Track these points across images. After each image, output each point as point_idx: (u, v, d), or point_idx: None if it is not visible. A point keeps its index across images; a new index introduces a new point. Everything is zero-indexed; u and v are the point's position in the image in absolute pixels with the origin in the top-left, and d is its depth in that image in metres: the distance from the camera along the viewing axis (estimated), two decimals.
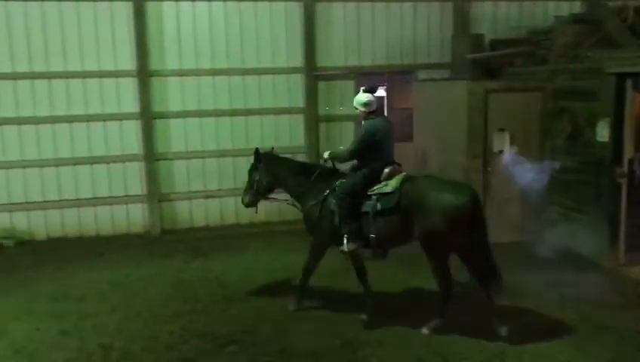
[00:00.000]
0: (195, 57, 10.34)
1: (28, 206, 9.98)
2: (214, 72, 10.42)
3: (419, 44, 11.21)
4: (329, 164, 6.61)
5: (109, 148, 10.15)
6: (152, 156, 10.24)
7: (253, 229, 10.54)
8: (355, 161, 6.35)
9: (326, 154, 6.55)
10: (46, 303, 7.25)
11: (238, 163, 10.58)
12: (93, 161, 10.12)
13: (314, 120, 10.81)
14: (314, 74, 10.70)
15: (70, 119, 9.94)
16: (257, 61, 10.57)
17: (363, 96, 6.25)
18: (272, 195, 6.98)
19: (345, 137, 10.96)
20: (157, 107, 10.25)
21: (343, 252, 6.18)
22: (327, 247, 6.46)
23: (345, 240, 6.08)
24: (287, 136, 10.83)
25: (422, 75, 11.22)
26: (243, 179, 10.47)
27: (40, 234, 10.06)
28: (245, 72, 10.53)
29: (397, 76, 12.19)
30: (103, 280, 8.03)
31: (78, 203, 10.13)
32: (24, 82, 9.72)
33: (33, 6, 9.60)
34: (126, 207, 10.35)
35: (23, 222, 10.01)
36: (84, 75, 9.89)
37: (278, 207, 9.81)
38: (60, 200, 10.10)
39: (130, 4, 9.89)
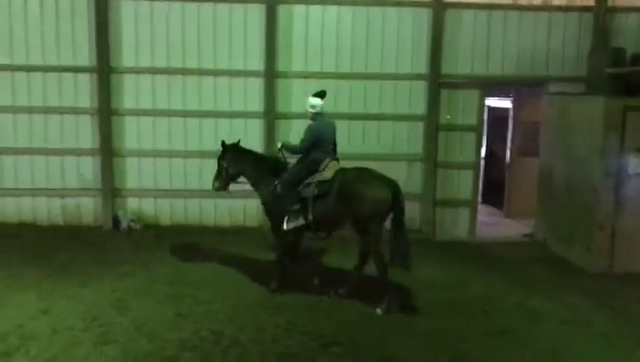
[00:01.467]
0: (320, 60, 10.52)
1: (156, 193, 10.66)
2: (337, 76, 10.53)
3: (552, 55, 10.64)
4: (281, 154, 7.53)
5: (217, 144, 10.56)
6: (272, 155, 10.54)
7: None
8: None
9: (279, 144, 7.55)
10: (164, 286, 7.68)
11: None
12: (203, 155, 10.53)
13: (434, 128, 10.60)
14: (438, 81, 10.49)
15: (201, 114, 10.49)
16: (381, 66, 10.55)
17: (314, 100, 7.25)
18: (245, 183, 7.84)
19: (464, 147, 10.67)
20: (280, 107, 10.55)
21: (283, 230, 7.23)
22: (278, 227, 7.36)
23: (285, 221, 7.15)
24: (404, 142, 10.72)
25: (553, 88, 10.64)
26: None
27: (165, 219, 10.71)
28: (367, 76, 10.55)
29: (525, 88, 11.66)
30: (217, 269, 8.38)
31: (201, 194, 10.65)
32: (161, 77, 10.39)
33: (175, 7, 10.24)
34: (243, 201, 10.72)
35: (150, 208, 10.70)
36: (215, 72, 10.40)
37: None
38: (185, 190, 10.68)
39: (263, 6, 10.27)
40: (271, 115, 10.49)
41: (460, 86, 10.61)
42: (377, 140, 10.63)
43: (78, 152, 10.45)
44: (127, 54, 10.30)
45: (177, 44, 10.32)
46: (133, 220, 10.45)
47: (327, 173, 7.07)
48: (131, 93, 10.40)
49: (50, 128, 10.41)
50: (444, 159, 10.72)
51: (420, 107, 10.64)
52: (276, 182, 7.32)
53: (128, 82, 10.37)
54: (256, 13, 10.33)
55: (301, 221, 7.10)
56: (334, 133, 7.38)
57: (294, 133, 10.58)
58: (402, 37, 10.51)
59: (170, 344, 5.90)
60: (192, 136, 10.58)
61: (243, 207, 10.74)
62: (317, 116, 7.28)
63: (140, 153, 10.55)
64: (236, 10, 10.33)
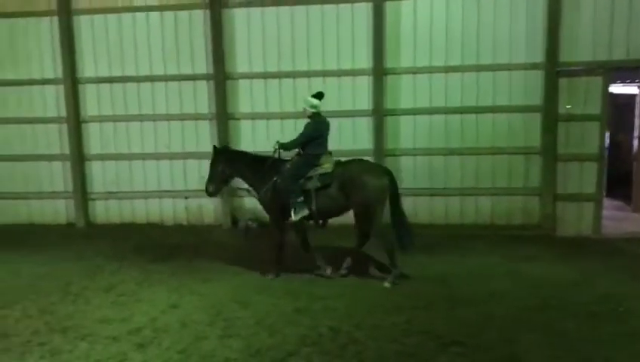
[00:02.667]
0: (429, 54, 10.36)
1: None
2: (447, 69, 10.32)
3: None
4: (277, 153, 7.81)
5: (341, 143, 10.67)
6: (381, 152, 10.54)
7: (477, 231, 10.24)
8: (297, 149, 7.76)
9: (276, 145, 7.81)
10: (283, 282, 7.90)
11: (466, 162, 10.38)
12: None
13: (553, 119, 10.07)
14: (555, 70, 9.96)
15: None
16: (493, 57, 10.21)
17: (313, 100, 7.70)
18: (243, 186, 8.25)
19: (587, 138, 10.04)
20: (389, 104, 10.51)
21: (291, 221, 7.71)
22: (282, 221, 7.87)
23: (292, 212, 7.57)
24: (520, 135, 10.30)
25: None
26: (471, 178, 10.38)
27: None
28: (480, 68, 10.23)
29: None
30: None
31: None
32: (273, 81, 10.72)
33: (284, 11, 10.52)
34: None
35: None
36: (324, 73, 10.56)
37: (507, 209, 9.39)
38: None
39: (370, 4, 10.28)
40: (380, 113, 10.48)
41: (580, 73, 10.00)
42: (492, 134, 10.31)
43: (198, 156, 11.04)
44: (240, 61, 10.73)
45: (287, 48, 10.60)
46: (250, 219, 10.87)
47: (328, 166, 7.62)
48: (246, 97, 10.83)
49: (173, 134, 11.09)
50: (565, 151, 10.16)
51: (537, 97, 10.17)
52: (275, 178, 7.77)
53: (243, 87, 10.80)
54: (363, 12, 10.37)
55: (306, 211, 7.61)
56: (329, 130, 7.87)
57: (404, 129, 10.53)
58: (515, 25, 10.10)
59: (289, 339, 6.06)
60: None
61: None
62: (315, 115, 7.77)
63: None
64: (343, 10, 10.43)
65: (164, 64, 10.89)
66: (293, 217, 7.67)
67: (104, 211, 11.41)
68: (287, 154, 7.87)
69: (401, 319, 6.50)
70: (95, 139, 11.27)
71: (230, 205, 11.00)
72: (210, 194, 8.22)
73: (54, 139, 11.30)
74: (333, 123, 10.51)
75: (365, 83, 10.54)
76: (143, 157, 11.16)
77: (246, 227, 10.81)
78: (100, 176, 11.34)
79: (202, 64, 10.81)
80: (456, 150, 10.45)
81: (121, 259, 9.11)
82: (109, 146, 11.26)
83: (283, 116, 10.77)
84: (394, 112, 10.53)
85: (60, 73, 11.01)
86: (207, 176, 8.19)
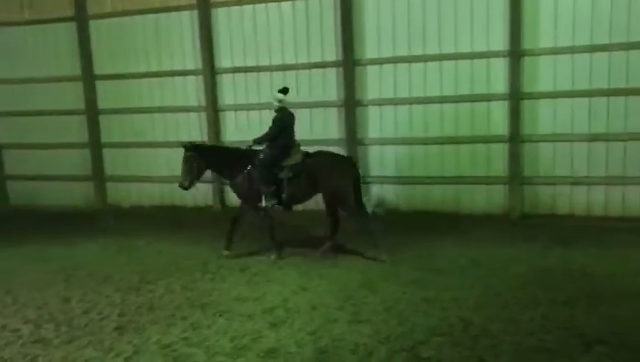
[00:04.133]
0: (571, 34, 9.64)
1: (398, 179, 10.91)
2: (592, 49, 9.54)
3: None
4: (253, 146, 8.28)
5: (474, 129, 10.32)
6: (517, 138, 10.02)
7: (623, 223, 9.43)
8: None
9: (252, 140, 8.25)
10: (409, 270, 7.79)
11: (612, 148, 9.57)
12: (458, 140, 10.42)
13: None
14: None
15: (442, 100, 10.43)
16: None
17: (279, 95, 8.26)
18: None
19: None
20: (526, 88, 9.94)
21: (262, 207, 8.31)
22: (256, 205, 8.41)
23: (264, 198, 8.20)
24: None
25: None
26: (618, 166, 9.56)
27: (406, 206, 10.91)
28: (631, 46, 9.34)
29: None
30: (463, 256, 8.24)
31: (442, 180, 10.61)
32: (402, 65, 10.55)
33: None
34: (487, 188, 10.39)
35: (391, 194, 10.99)
36: (457, 56, 10.21)
37: None
38: (426, 177, 10.74)
39: None
40: (516, 96, 9.94)
41: None
42: None
43: (326, 142, 11.15)
44: (369, 46, 10.68)
45: (418, 32, 10.37)
46: (376, 206, 10.84)
47: (298, 157, 8.23)
48: (374, 83, 10.77)
49: (302, 121, 11.25)
50: None
51: None
52: (249, 167, 8.29)
53: (371, 73, 10.75)
54: None
55: (275, 199, 8.23)
56: (294, 122, 8.37)
57: (543, 114, 9.93)
58: None
59: (419, 327, 5.95)
60: (432, 123, 10.57)
61: (486, 193, 10.43)
62: (282, 109, 8.28)
63: (382, 141, 10.88)
64: None
65: (296, 53, 11.12)
66: (264, 204, 8.31)
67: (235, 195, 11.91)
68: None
69: (538, 313, 6.14)
70: (231, 126, 11.79)
71: None
72: (185, 188, 8.55)
73: (195, 127, 11.98)
74: (465, 108, 10.30)
75: (501, 65, 10.03)
76: None
77: (373, 214, 10.79)
78: None
79: (332, 51, 10.89)
80: (602, 136, 9.65)
81: (254, 240, 9.46)
82: (243, 134, 11.72)
83: (412, 101, 10.58)
84: (531, 96, 9.94)
85: (199, 64, 11.63)
86: (181, 172, 8.46)
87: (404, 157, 10.82)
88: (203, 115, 11.84)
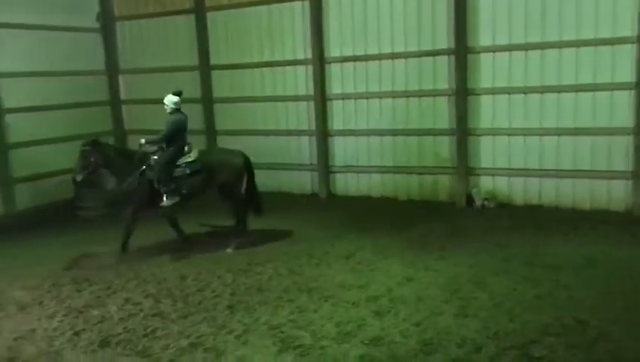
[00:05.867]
0: None
1: (510, 172, 10.49)
2: None
3: None
4: (144, 148, 8.58)
5: (596, 120, 9.69)
6: None
7: None
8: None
9: (142, 140, 8.52)
10: (521, 266, 7.50)
11: None
12: (577, 132, 9.84)
13: None
14: None
15: (559, 89, 9.87)
16: None
17: (174, 98, 8.60)
18: None
19: None
20: None
21: (163, 206, 8.49)
22: (143, 208, 8.60)
23: (165, 197, 8.39)
24: None
25: None
26: None
27: (518, 199, 10.47)
28: None
29: None
30: (578, 254, 7.82)
31: (557, 173, 10.09)
32: (518, 53, 10.09)
33: None
34: (607, 183, 9.76)
35: (504, 186, 10.59)
36: (579, 43, 9.61)
37: None
38: (540, 170, 10.24)
39: None
40: None
41: None
42: None
43: (435, 132, 10.97)
44: (483, 33, 10.32)
45: (536, 18, 9.86)
46: (486, 198, 10.51)
47: (193, 155, 8.66)
48: (487, 72, 10.40)
49: (410, 110, 11.17)
50: None
51: None
52: (143, 168, 8.47)
53: (485, 61, 10.39)
54: None
55: (177, 198, 8.48)
56: (187, 124, 8.75)
57: None
58: None
59: (530, 326, 5.73)
60: (549, 113, 10.05)
61: (606, 188, 9.78)
62: (176, 111, 8.59)
63: (495, 132, 10.51)
64: None
65: (405, 41, 10.97)
66: (166, 203, 8.45)
67: (343, 184, 12.03)
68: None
69: None
70: (338, 115, 11.89)
71: (466, 183, 10.74)
72: (77, 184, 8.80)
73: (303, 116, 12.21)
74: (586, 97, 9.68)
75: (628, 53, 9.32)
76: (381, 133, 11.46)
77: (482, 206, 10.48)
78: (341, 150, 11.96)
79: (443, 39, 10.63)
80: None
81: (359, 230, 9.53)
82: (349, 122, 11.79)
83: (527, 91, 10.11)
84: None
85: (309, 54, 11.80)
86: (76, 166, 8.53)
87: (518, 149, 10.38)
88: (311, 103, 12.02)
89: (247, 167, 9.06)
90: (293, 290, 7.00)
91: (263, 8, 12.14)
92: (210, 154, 9.16)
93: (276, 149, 12.52)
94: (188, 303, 6.76)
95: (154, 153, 8.63)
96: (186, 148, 8.72)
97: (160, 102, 13.34)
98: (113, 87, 13.94)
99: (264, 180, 12.56)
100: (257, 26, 12.28)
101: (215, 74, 12.96)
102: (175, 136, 8.57)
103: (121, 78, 14.01)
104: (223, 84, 12.94)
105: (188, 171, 8.61)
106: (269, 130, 12.58)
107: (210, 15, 12.75)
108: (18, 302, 7.02)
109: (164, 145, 8.60)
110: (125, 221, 8.62)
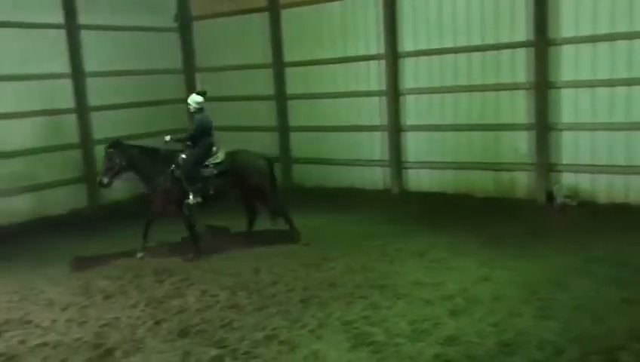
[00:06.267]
0: None
1: (593, 168, 10.01)
2: None
3: None
4: (169, 145, 8.73)
5: None
6: None
7: None
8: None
9: (167, 138, 8.67)
10: (605, 267, 7.15)
11: None
12: None
13: None
14: None
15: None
16: None
17: (198, 98, 8.69)
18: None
19: None
20: None
21: (189, 204, 8.50)
22: (173, 206, 8.63)
23: (191, 196, 8.44)
24: None
25: None
26: None
27: (602, 197, 9.98)
28: None
29: None
30: None
31: None
32: (603, 44, 9.60)
33: None
34: None
35: (586, 184, 10.12)
36: None
37: None
38: (627, 166, 9.70)
39: None
40: None
41: None
42: None
43: (513, 127, 10.62)
44: (565, 25, 9.87)
45: (623, 5, 9.33)
46: (568, 196, 10.07)
47: (220, 156, 8.72)
48: (569, 64, 9.96)
49: (487, 105, 10.86)
50: None
51: None
52: (172, 167, 8.50)
53: (566, 53, 9.95)
54: None
55: (200, 197, 8.54)
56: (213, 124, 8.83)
57: None
58: None
59: (616, 330, 5.44)
60: (636, 107, 9.50)
61: None
62: (200, 111, 8.69)
63: (577, 127, 10.06)
64: None
65: (482, 34, 10.67)
66: (192, 201, 8.51)
67: (416, 179, 11.86)
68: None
69: None
70: (411, 111, 11.73)
71: (547, 180, 10.33)
72: (104, 186, 8.59)
73: (375, 111, 12.12)
74: None
75: None
76: (456, 128, 11.22)
77: (563, 204, 10.05)
78: (413, 146, 11.80)
79: (522, 31, 10.25)
80: None
81: (432, 227, 9.38)
82: (423, 117, 11.61)
83: (614, 84, 9.59)
84: None
85: (382, 49, 11.70)
86: (102, 169, 8.55)
87: (602, 145, 9.87)
88: (384, 99, 11.92)
89: (270, 171, 9.20)
90: (366, 287, 6.97)
91: (336, 4, 12.15)
92: (237, 157, 9.04)
93: (348, 145, 12.52)
94: (262, 296, 6.88)
95: (182, 152, 8.72)
96: (214, 148, 8.80)
97: (234, 99, 13.78)
98: (190, 85, 14.37)
99: (337, 176, 12.71)
100: (330, 22, 12.30)
101: (288, 71, 13.10)
102: (201, 135, 8.66)
103: (197, 76, 14.42)
104: (296, 80, 13.06)
105: (215, 172, 8.68)
106: (342, 126, 12.58)
107: (284, 12, 12.89)
108: (103, 291, 7.36)
109: (191, 144, 8.71)
110: (147, 219, 8.67)
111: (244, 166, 8.94)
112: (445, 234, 8.93)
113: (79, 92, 11.98)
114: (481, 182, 11.12)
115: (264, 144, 13.55)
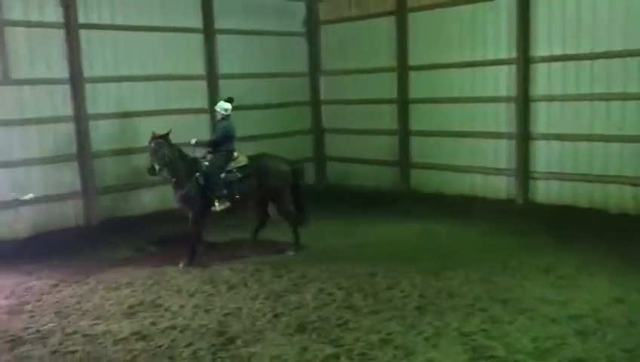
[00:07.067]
0: None
1: None
2: None
3: None
4: (194, 148, 8.83)
5: None
6: None
7: None
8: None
9: (193, 141, 8.80)
10: None
11: None
12: None
13: None
14: None
15: None
16: None
17: (226, 105, 8.93)
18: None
19: None
20: None
21: (215, 211, 8.69)
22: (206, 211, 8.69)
23: (217, 202, 8.61)
24: None
25: None
26: None
27: None
28: None
29: None
30: None
31: None
32: None
33: None
34: None
35: None
36: None
37: None
38: None
39: None
40: None
41: None
42: None
43: None
44: None
45: None
46: None
47: (242, 160, 8.83)
48: None
49: (627, 114, 10.08)
50: None
51: None
52: (197, 175, 8.55)
53: None
54: None
55: (227, 203, 8.66)
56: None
57: None
58: None
59: None
60: None
61: None
62: (227, 118, 8.85)
63: None
64: None
65: (625, 38, 9.90)
66: (218, 208, 8.63)
67: (545, 191, 11.24)
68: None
69: None
70: (542, 118, 11.16)
71: None
72: (155, 174, 8.55)
73: (502, 117, 11.67)
74: None
75: None
76: (590, 138, 10.51)
77: None
78: (543, 155, 11.20)
79: None
80: None
81: (560, 241, 8.88)
82: (555, 126, 11.01)
83: None
84: None
85: (513, 53, 11.24)
86: (151, 157, 8.54)
87: None
88: (512, 105, 11.45)
89: (295, 176, 9.15)
90: (486, 299, 6.74)
91: (467, 7, 11.85)
92: (261, 161, 9.08)
93: (471, 152, 12.16)
94: (378, 299, 6.87)
95: (203, 158, 8.83)
96: (235, 153, 8.90)
97: (357, 102, 13.91)
98: (314, 88, 14.70)
99: (456, 183, 12.40)
100: (459, 26, 12.02)
101: (412, 75, 12.99)
102: (224, 141, 8.82)
103: (321, 79, 14.72)
104: (419, 84, 12.92)
105: (240, 176, 8.75)
106: (465, 131, 12.24)
107: (411, 16, 12.80)
108: (227, 281, 7.73)
109: (212, 150, 8.83)
110: (194, 233, 8.68)
111: (264, 168, 8.97)
112: (574, 250, 8.41)
113: (212, 93, 12.65)
114: (617, 197, 10.32)
115: (383, 147, 13.60)
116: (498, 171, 11.85)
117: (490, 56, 11.66)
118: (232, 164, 8.81)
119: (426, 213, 11.03)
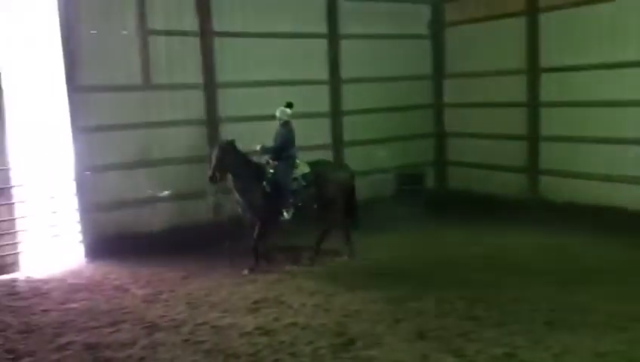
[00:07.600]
0: None
1: None
2: None
3: None
4: (259, 154, 8.86)
5: None
6: None
7: None
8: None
9: (258, 147, 8.76)
10: None
11: None
12: None
13: None
14: None
15: None
16: None
17: (287, 110, 8.83)
18: None
19: None
20: None
21: (284, 219, 8.78)
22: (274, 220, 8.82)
23: (286, 212, 8.69)
24: None
25: None
26: None
27: None
28: None
29: None
30: None
31: None
32: None
33: None
34: None
35: None
36: None
37: None
38: None
39: None
40: None
41: None
42: None
43: None
44: None
45: None
46: None
47: (305, 168, 8.81)
48: None
49: None
50: None
51: None
52: (264, 183, 8.55)
53: None
54: None
55: (292, 210, 8.61)
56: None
57: None
58: None
59: None
60: None
61: None
62: (287, 123, 8.72)
63: None
64: None
65: None
66: (287, 216, 8.65)
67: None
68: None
69: None
70: None
71: None
72: (215, 182, 8.56)
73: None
74: None
75: None
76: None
77: None
78: None
79: None
80: None
81: None
82: None
83: None
84: None
85: None
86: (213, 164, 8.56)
87: None
88: None
89: (352, 183, 9.18)
90: (624, 317, 6.23)
91: (606, 5, 11.03)
92: (318, 168, 9.02)
93: (609, 159, 11.26)
94: (503, 311, 6.59)
95: (267, 164, 8.79)
96: (297, 160, 8.87)
97: (483, 105, 13.42)
98: (438, 91, 14.42)
99: (593, 192, 11.53)
100: (598, 25, 11.21)
101: (544, 77, 12.32)
102: (285, 147, 8.74)
103: (445, 82, 14.41)
104: (550, 87, 12.23)
105: (304, 183, 8.74)
106: (602, 137, 11.38)
107: (542, 16, 12.16)
108: (347, 283, 7.80)
109: (274, 156, 8.76)
110: (256, 240, 8.67)
111: (322, 176, 8.93)
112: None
113: (335, 97, 12.82)
114: None
115: (510, 153, 13.03)
116: None
117: (632, 57, 10.75)
118: (297, 172, 8.86)
119: (557, 222, 10.41)
